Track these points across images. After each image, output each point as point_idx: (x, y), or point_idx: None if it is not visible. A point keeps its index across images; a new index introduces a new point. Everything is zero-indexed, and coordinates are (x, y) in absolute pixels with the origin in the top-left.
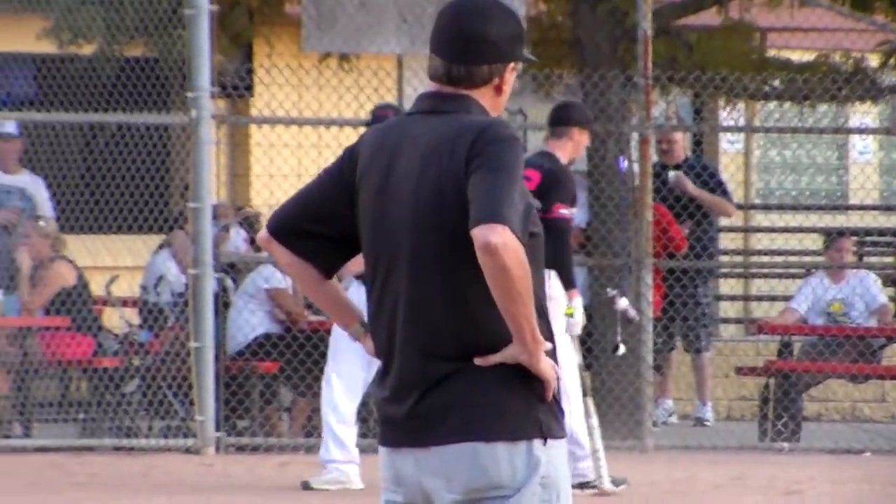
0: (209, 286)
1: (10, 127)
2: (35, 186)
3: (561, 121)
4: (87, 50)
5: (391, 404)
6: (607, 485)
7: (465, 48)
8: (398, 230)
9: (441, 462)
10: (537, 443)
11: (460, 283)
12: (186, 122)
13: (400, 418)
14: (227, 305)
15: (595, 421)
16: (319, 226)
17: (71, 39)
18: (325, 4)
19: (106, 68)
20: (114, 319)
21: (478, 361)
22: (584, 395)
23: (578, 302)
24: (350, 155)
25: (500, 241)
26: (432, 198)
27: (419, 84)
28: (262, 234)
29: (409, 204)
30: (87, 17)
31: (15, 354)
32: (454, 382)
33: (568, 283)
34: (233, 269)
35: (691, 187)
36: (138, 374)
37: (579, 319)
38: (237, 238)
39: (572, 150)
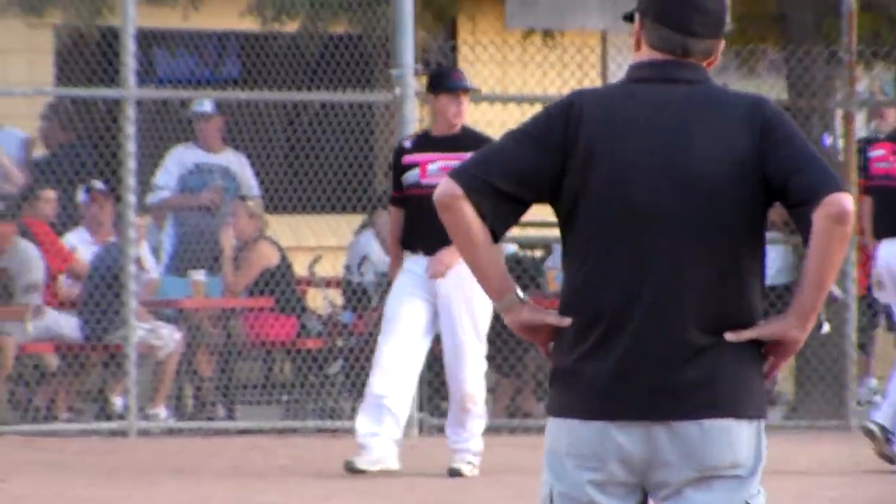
0: None
1: (208, 106)
2: (239, 165)
3: None
4: (291, 27)
5: (618, 377)
6: None
7: (702, 22)
8: (656, 197)
9: (684, 437)
10: (762, 422)
11: (736, 254)
12: (390, 100)
13: (634, 391)
14: None
15: None
16: (512, 186)
17: (274, 17)
18: None
19: (309, 46)
20: (317, 300)
21: (730, 337)
22: None
23: None
24: (564, 117)
25: (851, 210)
26: (717, 166)
27: (623, 60)
28: (451, 189)
29: (677, 172)
30: None
31: (218, 336)
32: (709, 357)
33: None
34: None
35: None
36: (342, 355)
37: None
38: None
39: None
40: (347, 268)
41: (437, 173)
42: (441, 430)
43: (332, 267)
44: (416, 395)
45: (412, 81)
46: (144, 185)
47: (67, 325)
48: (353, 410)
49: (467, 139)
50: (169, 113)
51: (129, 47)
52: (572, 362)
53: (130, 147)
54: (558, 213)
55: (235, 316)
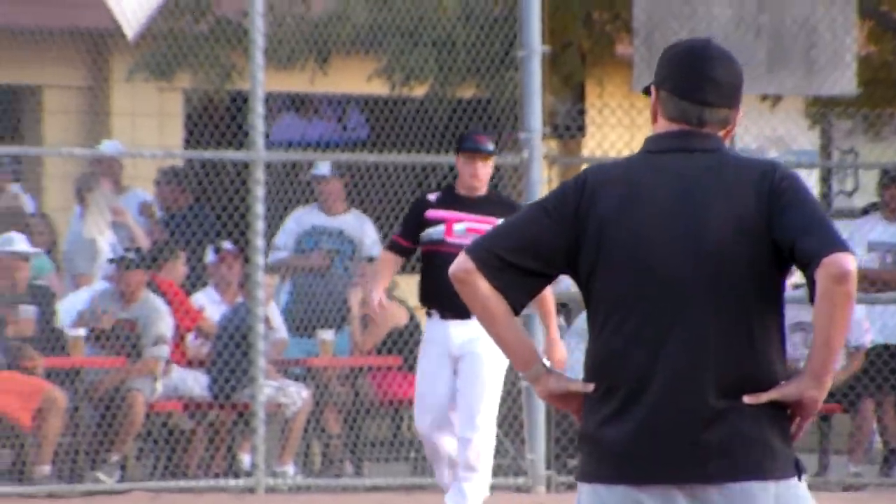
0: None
1: (324, 168)
2: (359, 227)
3: None
4: (419, 91)
5: (640, 441)
6: None
7: (716, 92)
8: (671, 266)
9: (708, 501)
10: (796, 480)
11: (753, 318)
12: (518, 163)
13: (655, 456)
14: None
15: None
16: (528, 259)
17: (403, 81)
18: (657, 45)
19: (438, 110)
20: None
21: (749, 399)
22: None
23: None
24: (579, 191)
25: (853, 270)
26: (731, 233)
27: (750, 123)
28: (465, 264)
29: (691, 240)
30: (420, 59)
31: (346, 394)
32: (729, 420)
33: None
34: (564, 308)
35: None
36: None
37: None
38: (568, 279)
39: None
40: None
41: (463, 234)
42: (571, 486)
43: None
44: (545, 453)
45: (540, 145)
46: (271, 246)
47: (196, 383)
48: None
49: (494, 203)
50: (298, 175)
51: (258, 111)
52: (595, 427)
53: (259, 208)
54: (578, 284)
55: (363, 374)
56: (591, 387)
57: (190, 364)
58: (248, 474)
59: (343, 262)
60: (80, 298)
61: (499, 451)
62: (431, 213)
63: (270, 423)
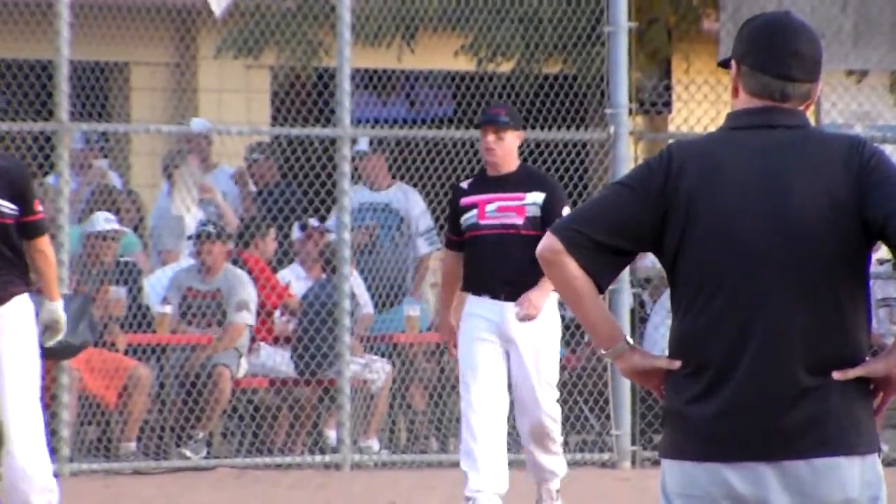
0: (626, 301)
1: (363, 144)
2: (405, 199)
3: None
4: (506, 67)
5: (729, 419)
6: None
7: (799, 66)
8: (758, 244)
9: (795, 476)
10: (876, 457)
11: (840, 295)
12: (605, 139)
13: (745, 433)
14: (643, 321)
15: None
16: (612, 238)
17: (489, 57)
18: (743, 20)
19: (524, 85)
20: None
21: (837, 376)
22: None
23: None
24: (665, 166)
25: None
26: (818, 209)
27: (837, 99)
28: (553, 244)
29: (777, 218)
30: (507, 35)
31: (432, 370)
32: (816, 396)
33: None
34: (649, 284)
35: None
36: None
37: None
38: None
39: None
40: (561, 304)
41: (495, 214)
42: (656, 462)
43: None
44: (630, 428)
45: (626, 121)
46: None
47: (282, 360)
48: (566, 443)
49: (524, 179)
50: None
51: (345, 87)
52: (683, 405)
53: (345, 185)
54: (663, 262)
55: (449, 350)
56: (677, 364)
57: (276, 341)
58: (334, 450)
59: (391, 236)
60: (166, 275)
61: (584, 427)
62: (465, 200)
63: (355, 399)
